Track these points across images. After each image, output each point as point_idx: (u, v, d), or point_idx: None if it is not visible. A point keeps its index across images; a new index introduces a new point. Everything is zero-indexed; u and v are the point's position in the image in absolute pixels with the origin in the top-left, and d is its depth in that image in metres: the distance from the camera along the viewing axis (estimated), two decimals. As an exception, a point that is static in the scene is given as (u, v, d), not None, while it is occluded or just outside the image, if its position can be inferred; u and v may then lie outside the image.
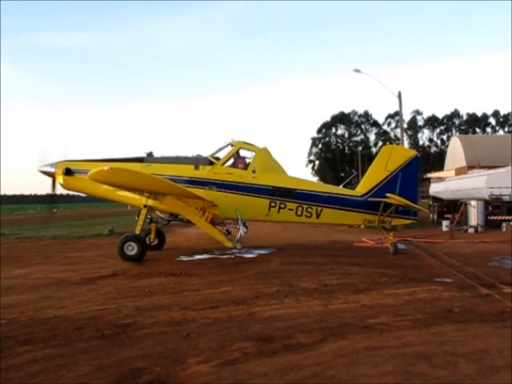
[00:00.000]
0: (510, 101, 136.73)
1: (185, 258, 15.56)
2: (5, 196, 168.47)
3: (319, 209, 16.29)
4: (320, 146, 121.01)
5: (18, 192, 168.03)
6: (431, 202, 37.35)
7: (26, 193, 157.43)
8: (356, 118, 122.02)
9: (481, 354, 5.94)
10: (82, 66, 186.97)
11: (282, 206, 16.08)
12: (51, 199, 17.92)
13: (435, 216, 34.44)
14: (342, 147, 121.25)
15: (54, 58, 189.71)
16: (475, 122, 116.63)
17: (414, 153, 18.22)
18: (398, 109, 36.66)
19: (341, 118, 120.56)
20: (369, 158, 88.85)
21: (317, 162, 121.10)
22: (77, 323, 7.49)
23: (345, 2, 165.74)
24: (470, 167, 42.13)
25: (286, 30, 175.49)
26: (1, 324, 7.48)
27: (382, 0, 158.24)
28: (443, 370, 5.46)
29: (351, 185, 27.35)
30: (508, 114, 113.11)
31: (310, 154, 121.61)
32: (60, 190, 17.12)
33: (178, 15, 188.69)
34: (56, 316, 8.00)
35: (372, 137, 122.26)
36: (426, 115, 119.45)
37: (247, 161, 16.39)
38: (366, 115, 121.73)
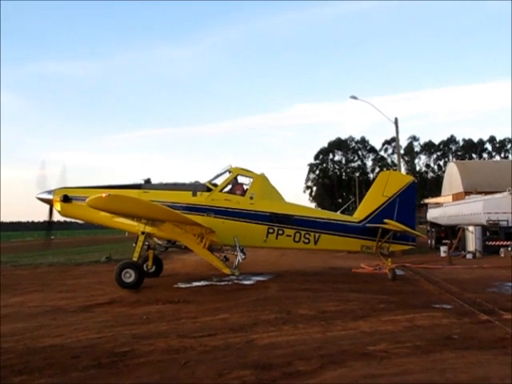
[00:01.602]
0: (510, 127, 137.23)
1: (183, 285, 15.46)
2: (1, 223, 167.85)
3: (317, 235, 16.27)
4: (317, 172, 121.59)
5: (15, 219, 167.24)
6: (429, 228, 37.32)
7: (24, 219, 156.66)
8: (353, 144, 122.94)
9: (482, 382, 5.89)
10: (78, 94, 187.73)
11: (280, 232, 16.07)
12: (48, 226, 17.87)
13: (433, 241, 34.39)
14: (339, 173, 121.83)
15: (50, 86, 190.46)
16: (471, 148, 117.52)
17: (411, 178, 18.30)
18: (394, 135, 36.88)
19: (338, 144, 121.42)
20: (366, 184, 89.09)
21: (314, 188, 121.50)
22: (73, 352, 7.41)
23: (341, 30, 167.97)
24: (467, 193, 42.27)
25: (282, 57, 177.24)
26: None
27: (378, 27, 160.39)
28: (444, 397, 5.41)
29: (349, 211, 27.38)
30: (504, 139, 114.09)
31: (307, 180, 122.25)
32: (57, 217, 17.11)
33: (174, 43, 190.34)
34: (52, 345, 7.93)
35: (369, 163, 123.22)
36: (422, 141, 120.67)
37: (245, 187, 16.44)
38: (363, 141, 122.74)
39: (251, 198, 16.08)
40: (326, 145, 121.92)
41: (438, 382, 5.87)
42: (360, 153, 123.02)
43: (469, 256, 26.58)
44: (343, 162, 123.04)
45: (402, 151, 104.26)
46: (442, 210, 36.53)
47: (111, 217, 15.38)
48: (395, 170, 50.90)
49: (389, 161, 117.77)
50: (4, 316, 10.58)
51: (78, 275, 19.03)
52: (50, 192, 16.10)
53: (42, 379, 6.19)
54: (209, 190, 16.10)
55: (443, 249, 27.70)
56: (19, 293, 14.33)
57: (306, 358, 6.96)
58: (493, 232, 27.84)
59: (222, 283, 15.85)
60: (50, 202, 16.18)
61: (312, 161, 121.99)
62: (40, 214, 16.96)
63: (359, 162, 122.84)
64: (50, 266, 23.34)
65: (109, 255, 26.91)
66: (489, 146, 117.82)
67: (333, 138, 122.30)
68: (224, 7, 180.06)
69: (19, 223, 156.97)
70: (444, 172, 71.78)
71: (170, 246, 17.66)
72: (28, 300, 12.95)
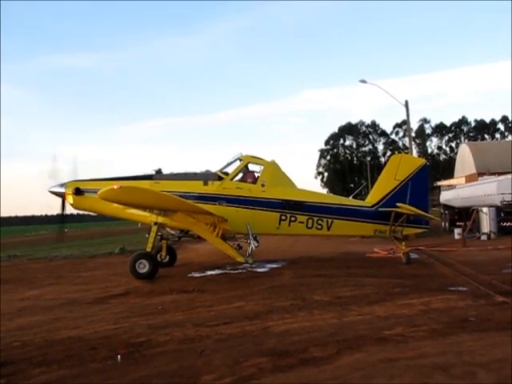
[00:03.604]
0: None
1: (197, 275, 15.52)
2: (17, 217, 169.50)
3: (330, 221, 16.22)
4: (328, 157, 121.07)
5: (29, 213, 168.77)
6: (442, 210, 37.09)
7: (38, 213, 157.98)
8: (363, 128, 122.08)
9: (499, 364, 5.84)
10: (85, 85, 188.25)
11: (293, 218, 16.03)
12: (62, 219, 17.96)
13: (447, 224, 34.19)
14: (350, 158, 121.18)
15: (59, 78, 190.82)
16: (483, 129, 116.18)
17: (423, 161, 18.17)
18: (405, 118, 36.62)
19: (348, 129, 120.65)
20: (378, 168, 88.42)
21: (326, 174, 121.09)
22: (91, 343, 7.47)
23: (350, 14, 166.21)
24: (481, 174, 41.86)
25: (291, 43, 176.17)
26: (15, 346, 7.48)
27: (386, 8, 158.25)
28: (461, 380, 5.38)
29: (361, 195, 27.23)
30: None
31: (318, 166, 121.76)
32: (70, 210, 17.19)
33: (182, 32, 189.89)
34: (70, 337, 7.99)
35: (380, 147, 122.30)
36: (433, 123, 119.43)
37: (256, 175, 16.40)
38: (374, 125, 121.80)
39: (263, 185, 16.05)
40: (336, 130, 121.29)
41: (456, 365, 5.84)
42: (371, 137, 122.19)
43: (483, 237, 26.42)
44: (354, 146, 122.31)
45: (413, 134, 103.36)
46: (455, 191, 36.20)
47: (123, 208, 15.44)
48: (407, 153, 50.49)
49: (400, 144, 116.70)
50: (21, 309, 10.71)
51: (93, 267, 19.18)
52: (61, 185, 16.17)
53: (60, 371, 6.25)
54: (220, 178, 16.09)
55: (457, 231, 27.54)
56: (35, 286, 14.50)
57: (322, 344, 6.95)
58: (507, 213, 27.52)
59: (236, 271, 15.88)
60: (62, 195, 16.26)
61: (323, 146, 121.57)
62: (53, 207, 17.06)
63: (370, 146, 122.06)
64: (64, 259, 23.56)
65: (122, 246, 27.07)
66: (501, 126, 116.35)
67: (343, 123, 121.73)
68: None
69: (33, 217, 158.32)
70: (456, 154, 71.06)
71: (183, 236, 17.69)
72: (44, 293, 13.08)
